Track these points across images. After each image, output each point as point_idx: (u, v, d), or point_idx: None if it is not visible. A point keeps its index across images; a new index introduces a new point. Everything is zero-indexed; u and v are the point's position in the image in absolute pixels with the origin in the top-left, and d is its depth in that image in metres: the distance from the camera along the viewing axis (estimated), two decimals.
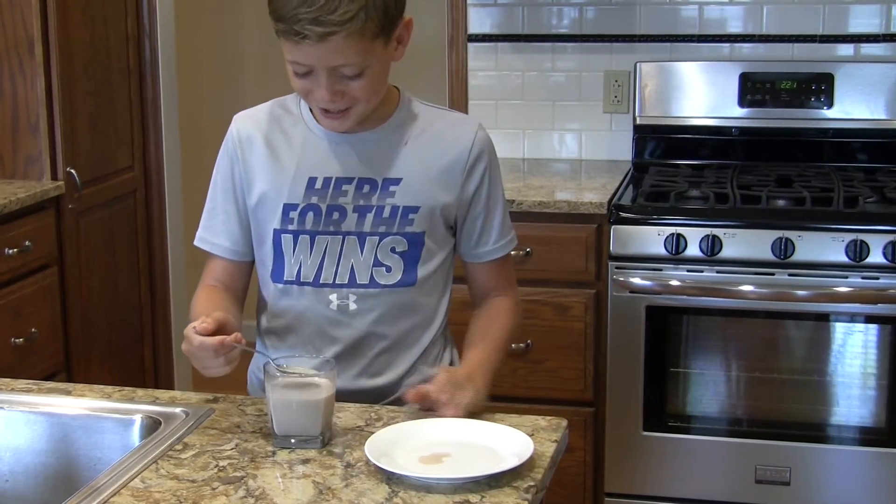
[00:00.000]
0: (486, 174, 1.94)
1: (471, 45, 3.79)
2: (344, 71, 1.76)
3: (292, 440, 1.63)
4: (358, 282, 1.90)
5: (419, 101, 1.97)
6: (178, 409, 1.78)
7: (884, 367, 3.02)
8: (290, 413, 1.63)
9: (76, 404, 1.83)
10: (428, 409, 1.73)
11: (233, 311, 1.89)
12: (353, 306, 1.91)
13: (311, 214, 1.89)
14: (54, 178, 3.52)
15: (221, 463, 1.59)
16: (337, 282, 1.90)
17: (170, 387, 4.18)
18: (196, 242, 2.00)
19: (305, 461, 1.59)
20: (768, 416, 3.13)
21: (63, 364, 3.52)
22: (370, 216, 1.89)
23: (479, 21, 3.77)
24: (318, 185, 1.89)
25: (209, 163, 2.02)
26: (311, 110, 1.91)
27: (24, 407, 1.83)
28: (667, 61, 3.61)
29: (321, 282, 1.90)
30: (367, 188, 1.89)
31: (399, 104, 1.93)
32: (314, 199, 1.89)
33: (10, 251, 3.24)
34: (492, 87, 3.80)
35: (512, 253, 2.05)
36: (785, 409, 3.13)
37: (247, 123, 1.96)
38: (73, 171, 3.56)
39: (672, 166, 3.58)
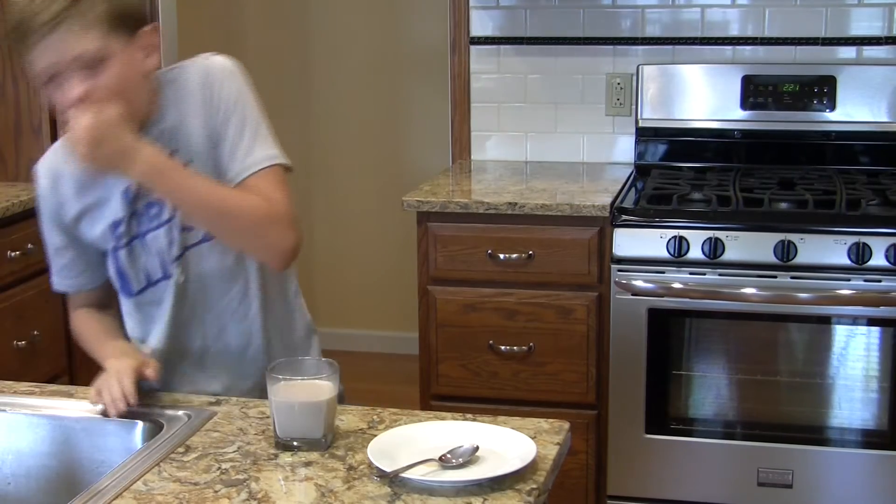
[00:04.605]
0: (213, 99, 1.99)
1: (473, 48, 3.79)
2: (83, 65, 1.79)
3: (295, 443, 1.63)
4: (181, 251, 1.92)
5: (166, 71, 1.97)
6: (180, 412, 1.78)
7: (886, 369, 3.02)
8: (292, 415, 1.63)
9: (78, 407, 1.83)
10: None
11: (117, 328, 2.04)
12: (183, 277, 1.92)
13: (127, 226, 1.93)
14: None
15: (224, 465, 1.59)
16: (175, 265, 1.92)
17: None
18: (57, 288, 2.06)
19: (308, 464, 1.59)
20: (770, 418, 3.13)
21: (65, 367, 3.52)
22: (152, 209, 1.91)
23: (481, 24, 3.77)
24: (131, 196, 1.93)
25: None
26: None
27: (27, 410, 1.83)
28: (669, 64, 3.61)
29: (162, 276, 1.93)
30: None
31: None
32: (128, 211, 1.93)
33: (13, 254, 3.24)
34: (494, 90, 3.80)
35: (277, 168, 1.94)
36: (787, 412, 3.13)
37: (46, 166, 1.98)
38: None
39: (674, 169, 3.58)
